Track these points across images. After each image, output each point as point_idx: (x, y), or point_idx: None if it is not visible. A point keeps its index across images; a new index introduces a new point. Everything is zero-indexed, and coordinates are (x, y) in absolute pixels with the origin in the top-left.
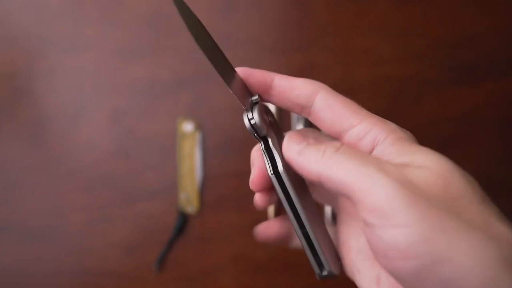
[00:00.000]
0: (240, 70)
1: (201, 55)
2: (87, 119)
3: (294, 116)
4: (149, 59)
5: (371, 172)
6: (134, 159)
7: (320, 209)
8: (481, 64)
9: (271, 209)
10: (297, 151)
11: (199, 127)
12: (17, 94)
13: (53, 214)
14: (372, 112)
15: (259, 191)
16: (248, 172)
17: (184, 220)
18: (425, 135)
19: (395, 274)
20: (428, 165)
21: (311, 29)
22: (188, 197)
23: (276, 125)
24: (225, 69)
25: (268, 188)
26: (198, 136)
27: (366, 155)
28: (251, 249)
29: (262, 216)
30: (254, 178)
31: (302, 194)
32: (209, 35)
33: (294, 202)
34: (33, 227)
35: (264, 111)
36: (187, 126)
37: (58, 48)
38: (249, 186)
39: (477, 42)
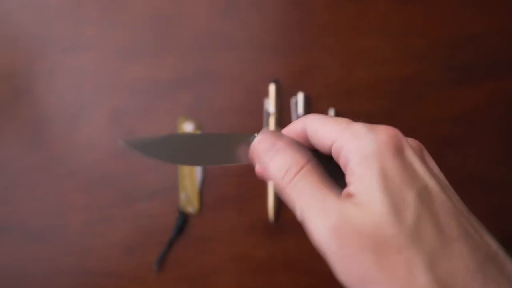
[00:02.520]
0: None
1: (201, 55)
2: (87, 119)
3: (294, 115)
4: (149, 59)
5: (312, 212)
6: (134, 159)
7: None
8: (481, 64)
9: (271, 209)
10: (267, 157)
11: (199, 127)
12: (17, 94)
13: (53, 214)
14: (372, 112)
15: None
16: (248, 172)
17: (184, 220)
18: (425, 135)
19: None
20: (367, 206)
21: (311, 29)
22: (188, 197)
23: None
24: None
25: None
26: None
27: (316, 187)
28: (251, 249)
29: (262, 216)
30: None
31: None
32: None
33: None
34: (33, 227)
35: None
36: (187, 126)
37: (58, 48)
38: (249, 186)
39: (477, 42)
